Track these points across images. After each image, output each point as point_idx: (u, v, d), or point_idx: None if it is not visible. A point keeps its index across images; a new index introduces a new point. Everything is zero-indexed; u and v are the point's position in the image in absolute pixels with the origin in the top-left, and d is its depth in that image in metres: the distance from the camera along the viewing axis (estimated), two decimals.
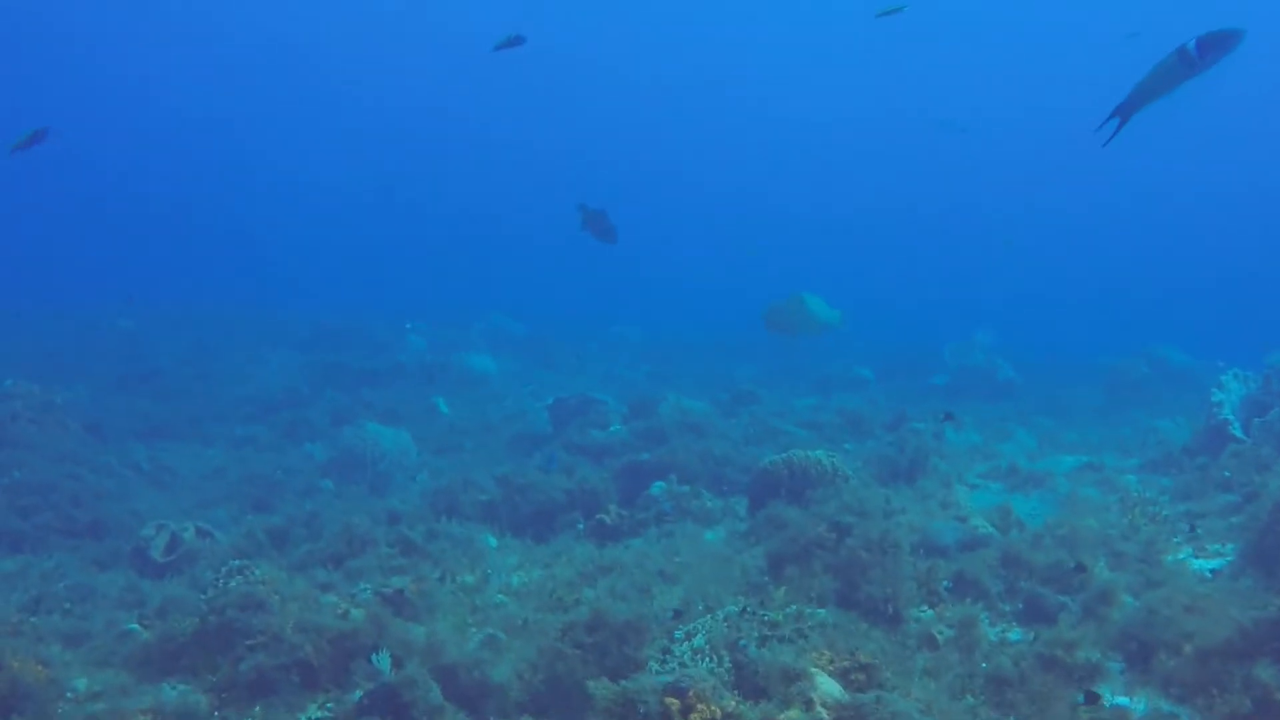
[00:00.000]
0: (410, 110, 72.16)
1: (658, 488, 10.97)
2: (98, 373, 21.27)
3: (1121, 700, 6.13)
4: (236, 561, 7.58)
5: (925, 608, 7.55)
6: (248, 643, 6.73)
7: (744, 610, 6.61)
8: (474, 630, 7.32)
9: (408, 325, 26.13)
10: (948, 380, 23.62)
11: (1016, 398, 21.58)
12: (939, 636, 6.91)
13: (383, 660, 6.28)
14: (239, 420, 18.06)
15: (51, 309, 31.57)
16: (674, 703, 5.06)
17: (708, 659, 5.92)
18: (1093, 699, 6.03)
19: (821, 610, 6.77)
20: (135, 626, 7.90)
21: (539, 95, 69.53)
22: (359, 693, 6.25)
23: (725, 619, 6.51)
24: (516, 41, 11.23)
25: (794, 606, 6.65)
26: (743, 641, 6.07)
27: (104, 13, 60.46)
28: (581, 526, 10.68)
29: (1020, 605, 7.67)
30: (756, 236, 58.43)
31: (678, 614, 6.99)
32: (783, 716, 5.15)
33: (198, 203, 62.87)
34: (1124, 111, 6.52)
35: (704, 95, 70.82)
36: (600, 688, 5.26)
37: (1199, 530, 9.08)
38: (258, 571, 7.33)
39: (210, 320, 29.11)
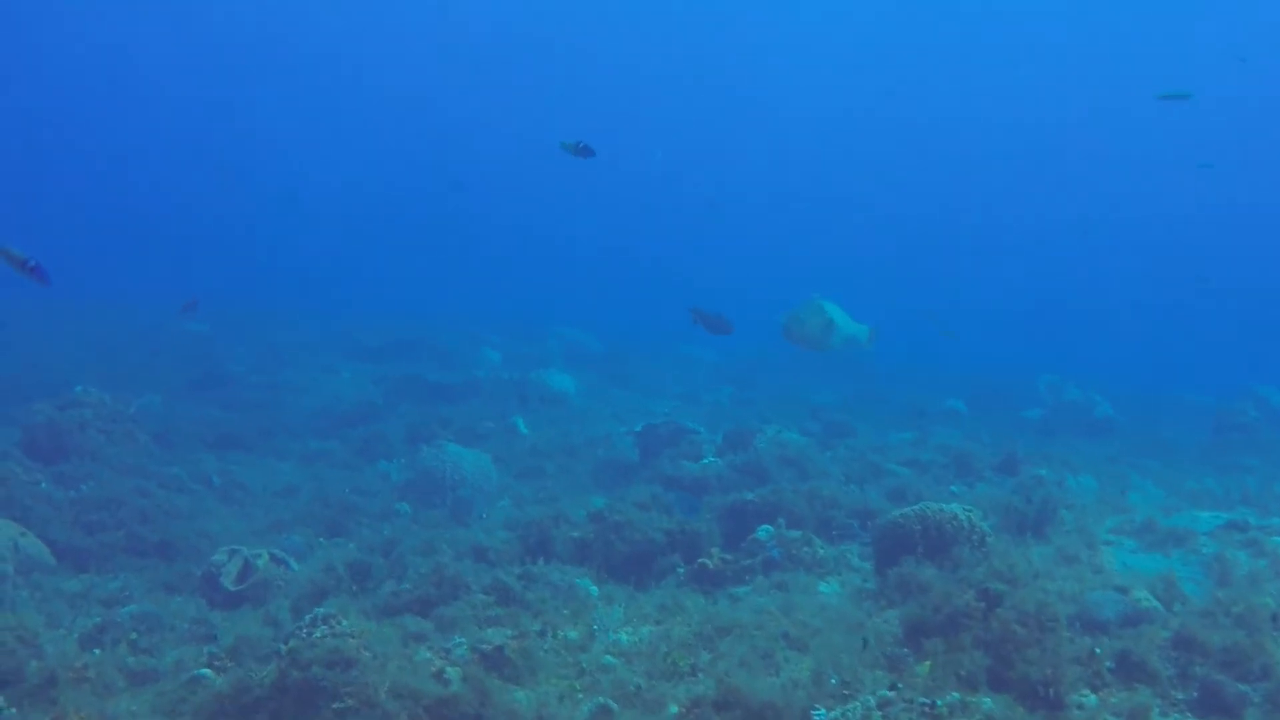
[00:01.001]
0: (452, 116, 71.84)
1: (765, 532, 10.14)
2: (167, 378, 20.79)
3: None
4: (321, 609, 6.83)
5: (1088, 692, 6.67)
6: (335, 705, 5.99)
7: (897, 694, 5.78)
8: (582, 697, 6.55)
9: (487, 339, 25.55)
10: (1043, 415, 22.66)
11: (1117, 436, 20.59)
12: None
13: None
14: (312, 433, 17.46)
15: (111, 310, 31.31)
16: None
17: None
18: None
19: (987, 700, 5.93)
20: (207, 672, 7.21)
21: (584, 100, 69.13)
22: None
23: (879, 706, 5.68)
24: (585, 151, 10.76)
25: (956, 695, 5.82)
26: None
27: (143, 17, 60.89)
28: (682, 571, 9.88)
29: (1195, 693, 6.77)
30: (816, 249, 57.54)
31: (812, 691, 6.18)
32: None
33: (240, 206, 62.79)
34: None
35: (745, 93, 69.87)
36: None
37: None
38: (345, 623, 6.58)
39: (277, 325, 28.63)
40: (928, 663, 6.50)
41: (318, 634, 6.53)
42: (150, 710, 6.74)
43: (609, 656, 7.25)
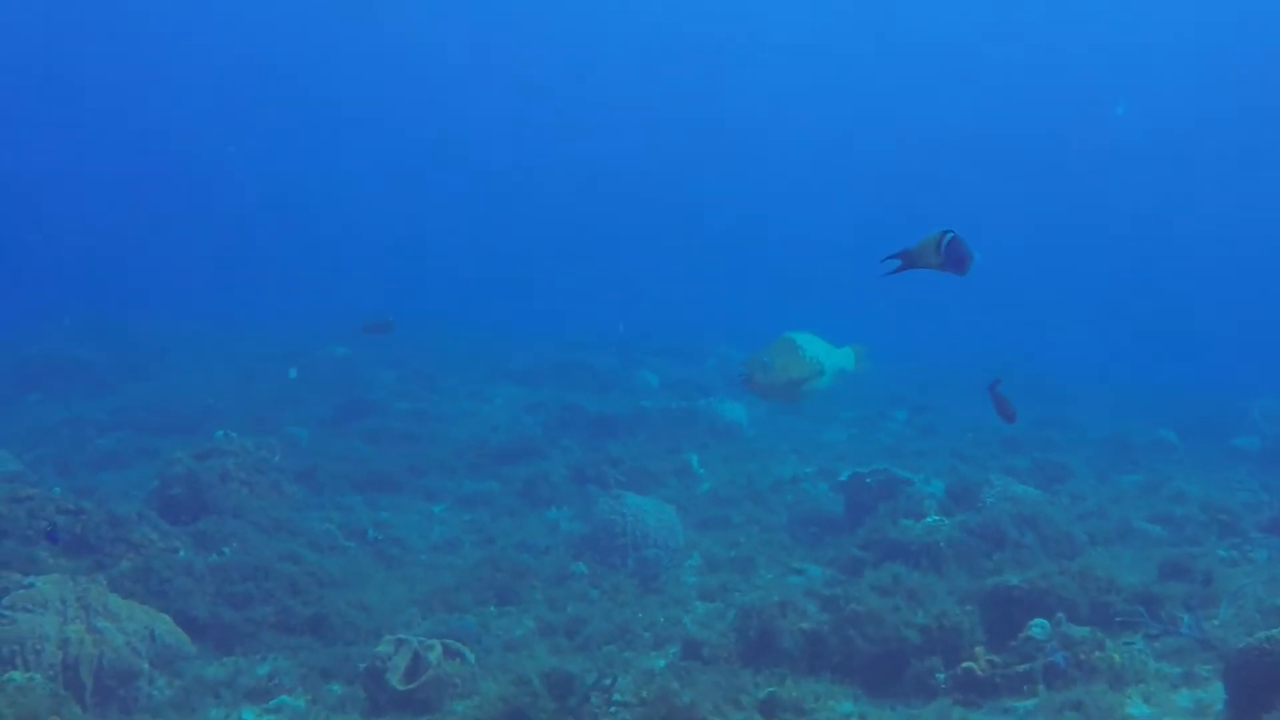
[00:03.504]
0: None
1: (1040, 629, 8.26)
2: (309, 407, 19.57)
3: None
4: None
5: None
6: None
7: None
8: None
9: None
10: (1259, 445, 20.27)
11: None
12: None
13: None
14: (466, 472, 15.94)
15: (238, 333, 30.46)
16: None
17: None
18: None
19: None
20: None
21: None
22: None
23: None
24: None
25: None
26: None
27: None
28: (942, 678, 8.07)
29: None
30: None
31: None
32: None
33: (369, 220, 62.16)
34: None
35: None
36: None
37: None
38: None
39: (416, 346, 27.38)
40: None
41: None
42: None
43: None
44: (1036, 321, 44.05)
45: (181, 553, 10.08)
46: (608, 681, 7.54)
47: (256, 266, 48.34)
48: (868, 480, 12.87)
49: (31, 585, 8.01)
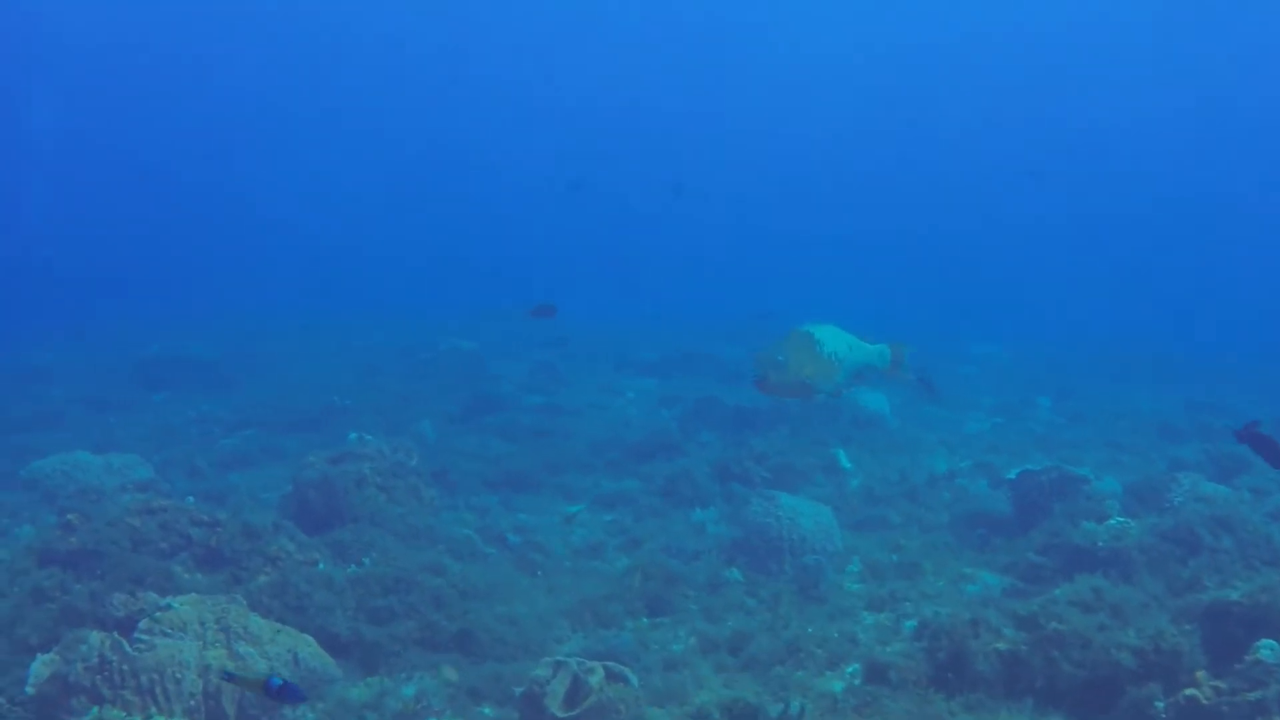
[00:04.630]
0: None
1: (1269, 649, 7.30)
2: (437, 403, 19.06)
3: None
4: None
5: None
6: None
7: None
8: None
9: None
10: None
11: None
12: None
13: None
14: (603, 469, 15.29)
15: (356, 324, 30.34)
16: None
17: None
18: None
19: None
20: None
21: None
22: None
23: None
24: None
25: None
26: None
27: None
28: (1161, 706, 7.16)
29: None
30: None
31: None
32: None
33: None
34: None
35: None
36: None
37: None
38: None
39: (540, 338, 26.87)
40: None
41: None
42: None
43: None
44: (1160, 299, 42.45)
45: (321, 565, 9.49)
46: (794, 711, 6.79)
47: (369, 262, 48.58)
48: (1041, 479, 11.90)
49: (169, 607, 7.46)
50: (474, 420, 18.23)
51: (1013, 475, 12.54)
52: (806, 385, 7.80)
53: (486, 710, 8.33)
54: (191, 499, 11.25)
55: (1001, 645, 7.75)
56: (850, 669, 8.57)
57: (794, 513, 11.44)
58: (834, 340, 7.93)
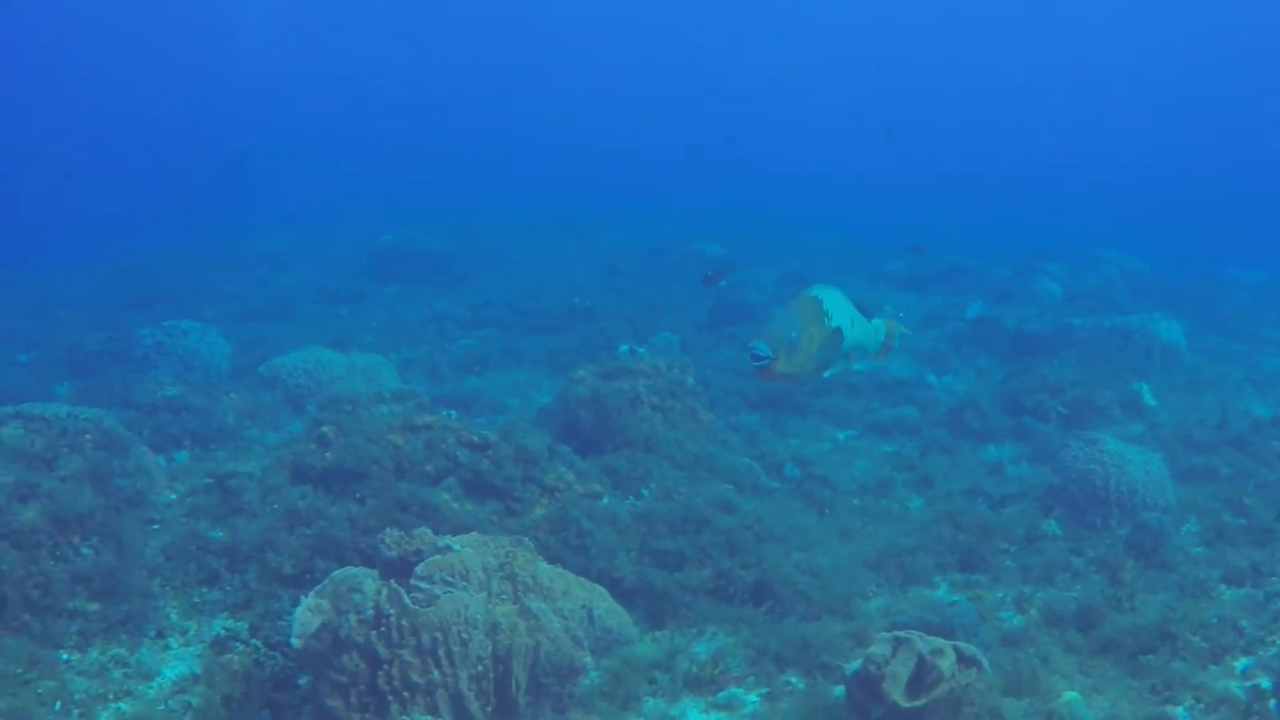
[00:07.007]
0: None
1: None
2: (682, 309, 17.92)
3: None
4: None
5: None
6: None
7: None
8: None
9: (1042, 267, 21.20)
10: None
11: None
12: None
13: None
14: (872, 393, 13.86)
15: (602, 223, 29.38)
16: None
17: None
18: None
19: None
20: None
21: None
22: None
23: None
24: None
25: None
26: None
27: None
28: None
29: None
30: None
31: None
32: None
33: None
34: None
35: None
36: None
37: None
38: None
39: (783, 244, 25.40)
40: None
41: None
42: None
43: None
44: None
45: (605, 499, 8.36)
46: None
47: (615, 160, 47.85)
48: None
49: (449, 549, 6.37)
50: (719, 330, 17.02)
51: None
52: (815, 372, 6.35)
53: (792, 679, 7.13)
54: (454, 413, 10.24)
55: None
56: (1239, 664, 7.10)
57: (1122, 460, 9.90)
58: (838, 310, 6.43)
